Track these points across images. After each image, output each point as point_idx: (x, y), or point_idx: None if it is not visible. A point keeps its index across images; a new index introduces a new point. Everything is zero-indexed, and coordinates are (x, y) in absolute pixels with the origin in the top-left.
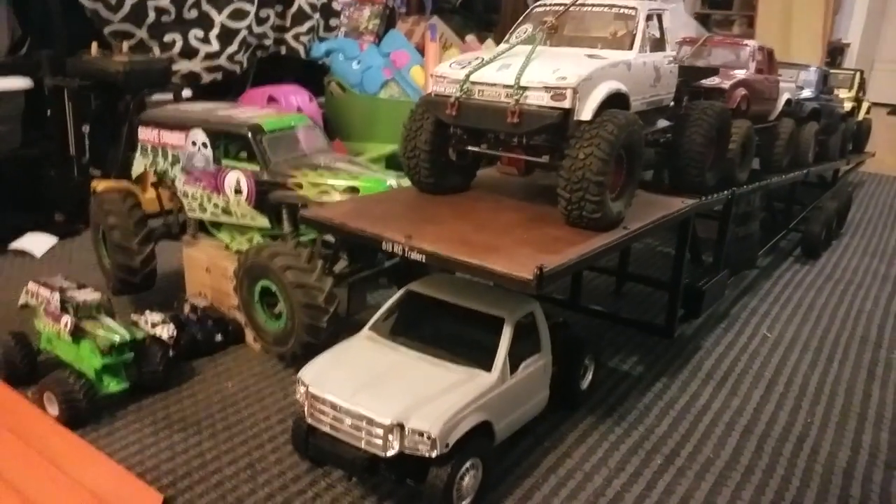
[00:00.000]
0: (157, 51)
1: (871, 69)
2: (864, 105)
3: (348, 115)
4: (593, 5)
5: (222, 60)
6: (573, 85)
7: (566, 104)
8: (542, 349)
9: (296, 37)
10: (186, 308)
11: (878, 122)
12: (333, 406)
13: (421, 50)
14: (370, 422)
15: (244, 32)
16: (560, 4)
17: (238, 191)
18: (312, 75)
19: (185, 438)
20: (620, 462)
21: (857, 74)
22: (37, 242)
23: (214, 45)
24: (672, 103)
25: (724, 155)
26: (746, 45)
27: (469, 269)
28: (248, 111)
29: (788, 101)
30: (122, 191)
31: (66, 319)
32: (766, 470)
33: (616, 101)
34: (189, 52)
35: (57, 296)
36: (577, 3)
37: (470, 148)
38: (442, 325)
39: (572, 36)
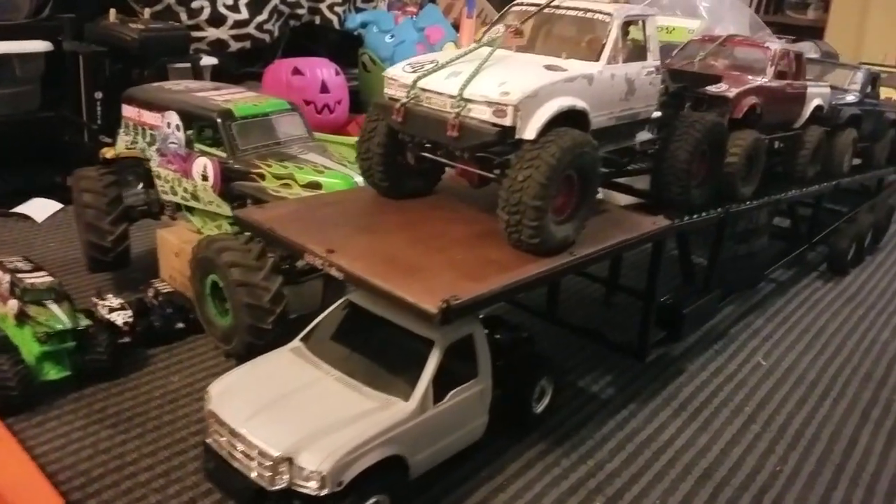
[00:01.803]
0: (184, 17)
1: None
2: None
3: (377, 89)
4: (567, 8)
5: (251, 29)
6: (514, 102)
7: (507, 121)
8: (480, 374)
9: (330, 7)
10: (150, 293)
11: None
12: (229, 429)
13: (457, 26)
14: (261, 452)
15: (275, 1)
16: (535, 5)
17: (205, 177)
18: (348, 47)
19: (112, 436)
20: (557, 501)
21: None
22: (39, 207)
23: (244, 13)
24: (656, 115)
25: (717, 170)
26: (767, 48)
27: (379, 294)
28: (230, 94)
29: (819, 108)
30: (103, 171)
31: (13, 303)
32: None
33: (574, 117)
34: (217, 20)
35: (8, 277)
36: (550, 4)
37: (424, 154)
38: (372, 342)
39: (541, 42)
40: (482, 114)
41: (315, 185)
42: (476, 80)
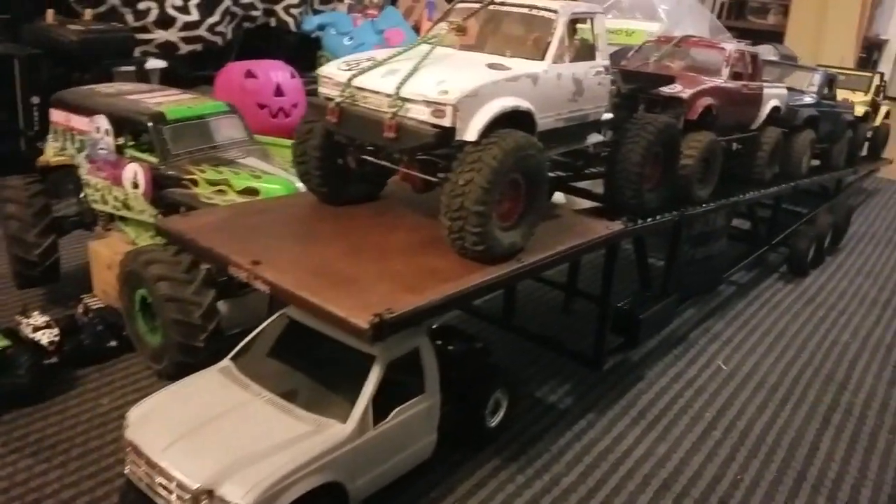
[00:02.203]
0: (130, 19)
1: None
2: (883, 109)
3: None
4: (512, 5)
5: (202, 31)
6: (453, 102)
7: (446, 122)
8: (428, 389)
9: (286, 9)
10: (80, 309)
11: None
12: (146, 459)
13: (418, 29)
14: (179, 484)
15: (228, 2)
16: (479, 2)
17: (136, 184)
18: (306, 50)
19: (31, 466)
20: None
21: (876, 77)
22: None
23: (194, 15)
24: (607, 116)
25: (672, 172)
26: (722, 48)
27: (307, 309)
28: (164, 96)
29: (776, 109)
30: (32, 178)
31: None
32: None
33: (519, 118)
34: (166, 22)
35: None
36: (494, 1)
37: (366, 157)
38: (309, 360)
39: (485, 40)
40: (420, 114)
41: (252, 192)
42: (414, 79)
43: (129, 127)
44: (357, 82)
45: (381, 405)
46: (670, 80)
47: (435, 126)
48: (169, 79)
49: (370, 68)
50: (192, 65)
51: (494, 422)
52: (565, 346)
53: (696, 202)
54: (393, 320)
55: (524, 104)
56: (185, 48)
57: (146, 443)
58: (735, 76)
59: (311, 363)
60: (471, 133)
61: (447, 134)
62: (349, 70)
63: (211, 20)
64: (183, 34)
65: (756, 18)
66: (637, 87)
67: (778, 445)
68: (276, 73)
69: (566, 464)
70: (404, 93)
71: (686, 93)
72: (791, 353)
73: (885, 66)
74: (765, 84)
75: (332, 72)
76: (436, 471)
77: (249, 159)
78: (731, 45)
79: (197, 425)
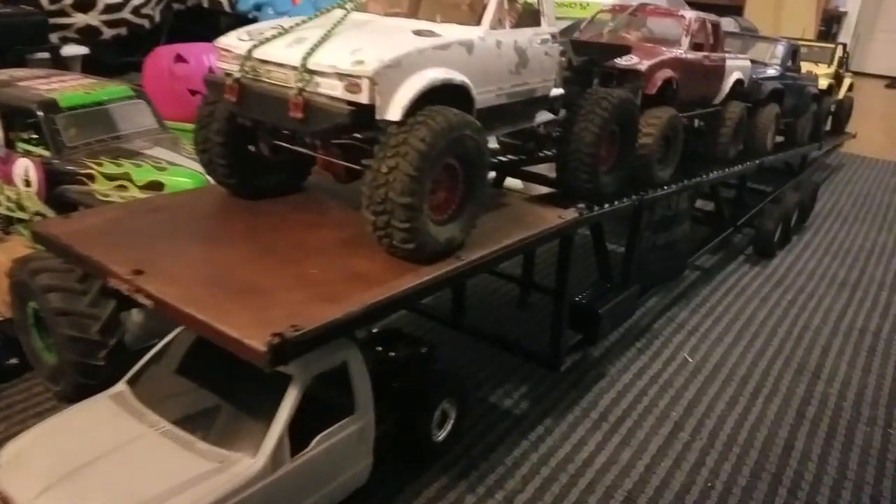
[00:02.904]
0: (45, 2)
1: (871, 39)
2: (846, 82)
3: None
4: None
5: (126, 13)
6: (369, 73)
7: (363, 98)
8: (359, 408)
9: None
10: None
11: (874, 97)
12: None
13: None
14: None
15: None
16: None
17: (28, 182)
18: None
19: None
20: None
21: (838, 48)
22: None
23: None
24: (557, 92)
25: (630, 153)
26: (682, 16)
27: (197, 329)
28: (60, 82)
29: (739, 82)
30: None
31: None
32: None
33: (452, 94)
34: (85, 4)
35: None
36: None
37: (279, 143)
38: (216, 381)
39: (413, 5)
40: (332, 89)
41: (156, 186)
42: (325, 48)
43: (19, 117)
44: (259, 54)
45: (301, 432)
46: (626, 50)
47: (350, 104)
48: (92, 66)
49: (274, 37)
50: (118, 50)
51: (441, 435)
52: (520, 346)
53: (657, 184)
54: (299, 339)
55: (458, 77)
56: (108, 32)
57: (17, 488)
58: (696, 47)
59: (218, 386)
60: (393, 111)
61: (364, 113)
62: (251, 41)
63: (136, 2)
64: (105, 17)
65: None
66: (590, 59)
67: (750, 446)
68: (209, 56)
69: (521, 478)
70: (312, 64)
71: (644, 65)
72: (760, 342)
73: (844, 39)
74: (727, 56)
75: (231, 43)
76: (374, 495)
77: (156, 150)
78: (691, 14)
79: (78, 466)
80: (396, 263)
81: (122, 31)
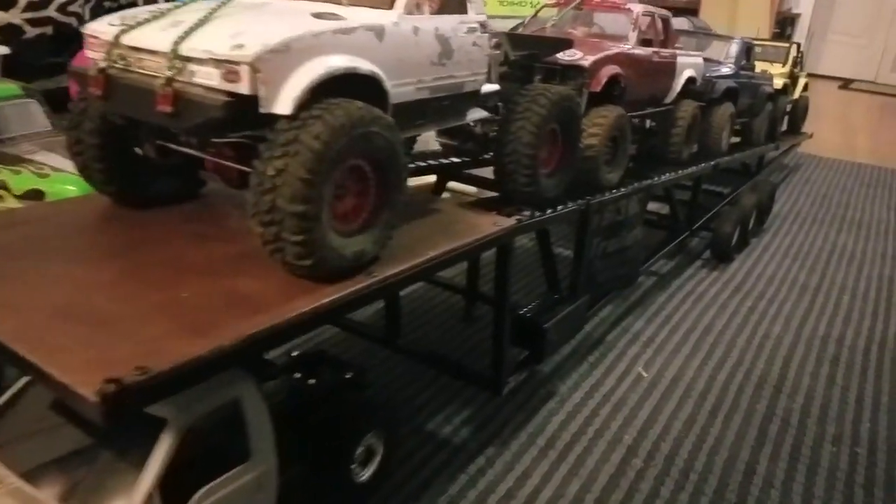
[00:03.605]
0: None
1: (824, 41)
2: (801, 81)
3: None
4: None
5: (52, 12)
6: (249, 59)
7: (243, 88)
8: (256, 454)
9: None
10: None
11: (828, 98)
12: None
13: None
14: None
15: None
16: None
17: None
18: None
19: None
20: None
21: (793, 47)
22: None
23: None
24: (491, 88)
25: (573, 154)
26: (629, 9)
27: (26, 370)
28: None
29: (692, 80)
30: None
31: None
32: None
33: (361, 85)
34: (5, 2)
35: None
36: None
37: (164, 143)
38: (82, 427)
39: None
40: (209, 78)
41: (36, 195)
42: (203, 31)
43: None
44: (128, 40)
45: (179, 487)
46: (567, 44)
47: (228, 94)
48: (14, 67)
49: (148, 21)
50: (43, 50)
51: (366, 475)
52: (459, 367)
53: (605, 188)
54: (144, 385)
55: (365, 66)
56: (31, 31)
57: None
58: (645, 43)
59: (83, 432)
60: (282, 104)
61: (245, 105)
62: (122, 25)
63: None
64: (28, 15)
65: None
66: (529, 54)
67: (709, 472)
68: None
69: None
70: (186, 50)
71: (587, 60)
72: (719, 353)
73: (798, 40)
74: (678, 52)
75: (98, 28)
76: None
77: (41, 154)
78: (639, 7)
79: None
80: (294, 283)
81: (48, 29)
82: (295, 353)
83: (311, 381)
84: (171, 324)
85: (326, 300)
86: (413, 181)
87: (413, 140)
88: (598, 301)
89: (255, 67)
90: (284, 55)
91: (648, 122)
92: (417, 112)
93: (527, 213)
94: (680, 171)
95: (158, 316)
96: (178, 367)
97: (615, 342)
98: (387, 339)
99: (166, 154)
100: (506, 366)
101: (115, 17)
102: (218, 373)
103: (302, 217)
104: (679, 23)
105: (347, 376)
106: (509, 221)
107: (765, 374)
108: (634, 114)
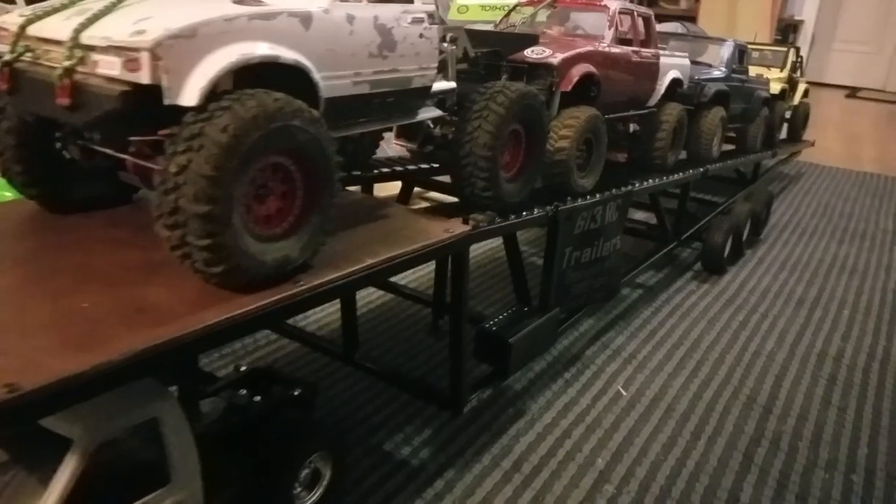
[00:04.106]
0: None
1: (830, 49)
2: (801, 87)
3: None
4: None
5: None
6: (148, 45)
7: (143, 77)
8: (177, 477)
9: None
10: None
11: (834, 107)
12: None
13: None
14: None
15: None
16: None
17: None
18: None
19: None
20: None
21: (792, 52)
22: None
23: None
24: (446, 85)
25: (537, 156)
26: (605, 6)
27: None
28: None
29: (677, 82)
30: None
31: None
32: None
33: (288, 77)
34: None
35: None
36: None
37: (83, 144)
38: None
39: None
40: (110, 68)
41: None
42: (108, 19)
43: None
44: (34, 30)
45: None
46: (532, 41)
47: (128, 84)
48: None
49: (57, 10)
50: None
51: (311, 499)
52: (417, 384)
53: (577, 193)
54: (12, 404)
55: (288, 55)
56: None
57: None
58: (623, 42)
59: None
60: (188, 95)
61: (147, 97)
62: (30, 15)
63: None
64: None
65: (667, 4)
66: (493, 51)
67: (687, 500)
68: None
69: None
70: (87, 38)
71: (556, 58)
72: (706, 370)
73: (801, 48)
74: (662, 53)
75: (4, 19)
76: None
77: None
78: (616, 4)
79: None
80: (210, 292)
81: None
82: (244, 368)
83: (257, 398)
84: (57, 336)
85: (239, 311)
86: (379, 189)
87: (375, 144)
88: (574, 314)
89: (155, 54)
90: (190, 41)
91: (633, 127)
92: (358, 108)
93: (483, 218)
94: (664, 178)
95: (48, 328)
96: (51, 385)
97: (594, 358)
98: (344, 353)
99: (91, 155)
100: (465, 384)
101: (27, 8)
102: (106, 391)
103: (207, 219)
104: (672, 27)
105: (295, 393)
106: (462, 228)
107: (754, 394)
108: (612, 116)
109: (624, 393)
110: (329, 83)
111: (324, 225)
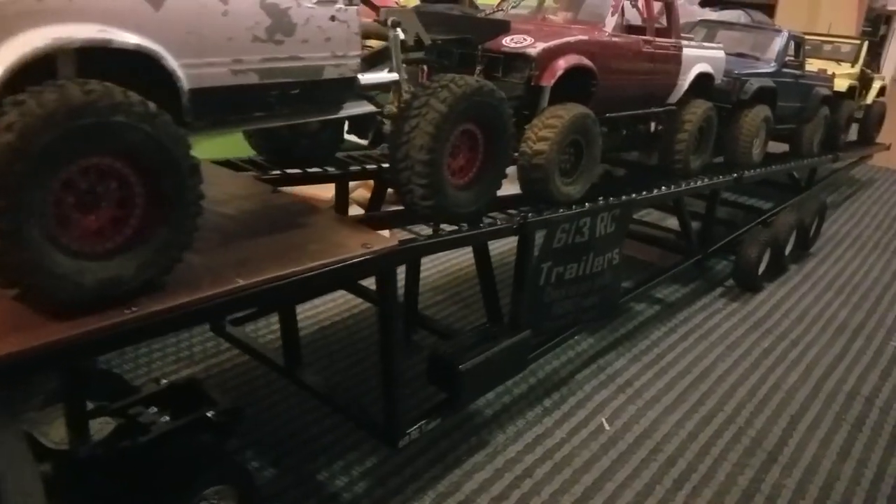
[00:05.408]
0: None
1: None
2: (876, 84)
3: None
4: None
5: None
6: None
7: None
8: None
9: None
10: None
11: None
12: None
13: None
14: None
15: None
16: None
17: None
18: None
19: None
20: None
21: (863, 45)
22: None
23: None
24: (388, 77)
25: (502, 161)
26: None
27: None
28: None
29: (706, 77)
30: None
31: None
32: None
33: (138, 66)
34: None
35: None
36: None
37: None
38: None
39: None
40: None
41: None
42: None
43: None
44: None
45: None
46: (502, 27)
47: None
48: None
49: None
50: None
51: None
52: (352, 409)
53: (561, 202)
54: None
55: (126, 38)
56: None
57: None
58: (633, 30)
59: None
60: None
61: None
62: None
63: None
64: None
65: None
66: (460, 38)
67: None
68: None
69: None
70: None
71: (536, 48)
72: (710, 405)
73: (894, 41)
74: (686, 43)
75: None
76: None
77: None
78: None
79: None
80: (15, 316)
81: None
82: (164, 382)
83: (165, 418)
84: None
85: (39, 343)
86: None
87: (338, 139)
88: (559, 335)
89: None
90: None
91: (654, 126)
92: (247, 101)
93: (421, 231)
94: (683, 185)
95: None
96: None
97: (583, 383)
98: (286, 366)
99: None
100: (398, 418)
101: None
102: None
103: (6, 233)
104: (735, 16)
105: (208, 415)
106: (385, 243)
107: (760, 437)
108: (619, 115)
109: (607, 427)
110: (194, 72)
111: (179, 239)
